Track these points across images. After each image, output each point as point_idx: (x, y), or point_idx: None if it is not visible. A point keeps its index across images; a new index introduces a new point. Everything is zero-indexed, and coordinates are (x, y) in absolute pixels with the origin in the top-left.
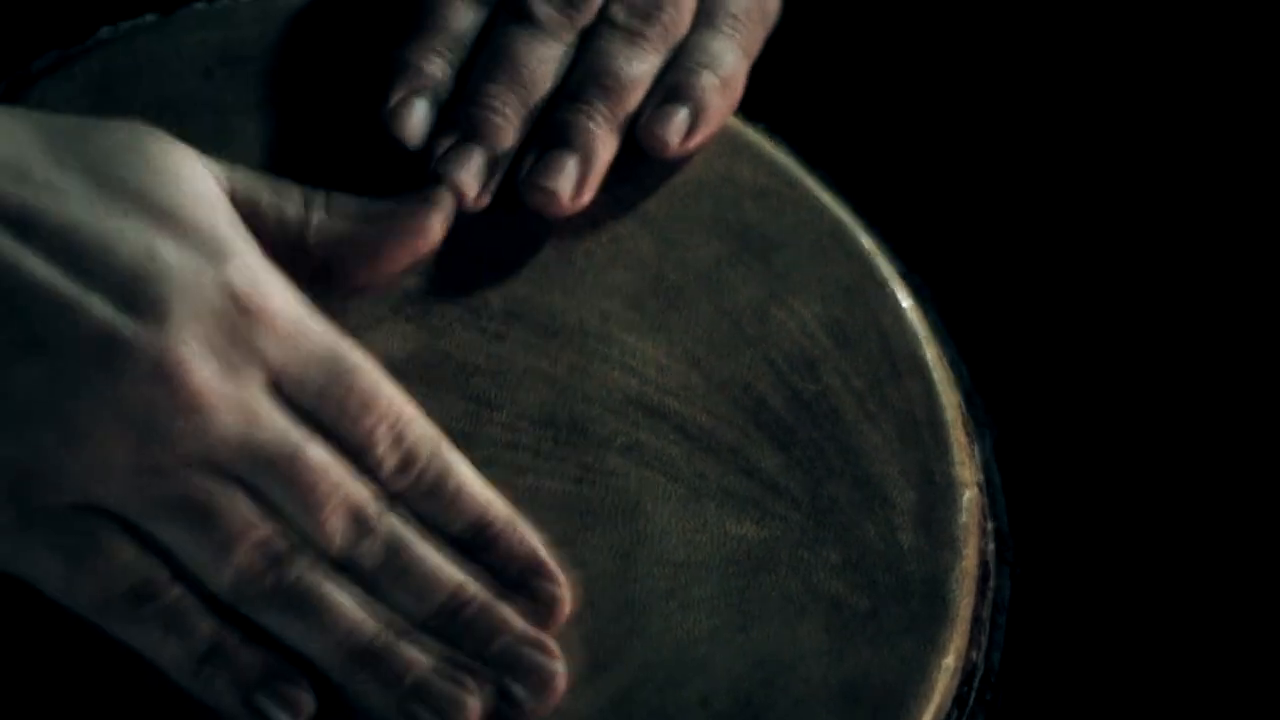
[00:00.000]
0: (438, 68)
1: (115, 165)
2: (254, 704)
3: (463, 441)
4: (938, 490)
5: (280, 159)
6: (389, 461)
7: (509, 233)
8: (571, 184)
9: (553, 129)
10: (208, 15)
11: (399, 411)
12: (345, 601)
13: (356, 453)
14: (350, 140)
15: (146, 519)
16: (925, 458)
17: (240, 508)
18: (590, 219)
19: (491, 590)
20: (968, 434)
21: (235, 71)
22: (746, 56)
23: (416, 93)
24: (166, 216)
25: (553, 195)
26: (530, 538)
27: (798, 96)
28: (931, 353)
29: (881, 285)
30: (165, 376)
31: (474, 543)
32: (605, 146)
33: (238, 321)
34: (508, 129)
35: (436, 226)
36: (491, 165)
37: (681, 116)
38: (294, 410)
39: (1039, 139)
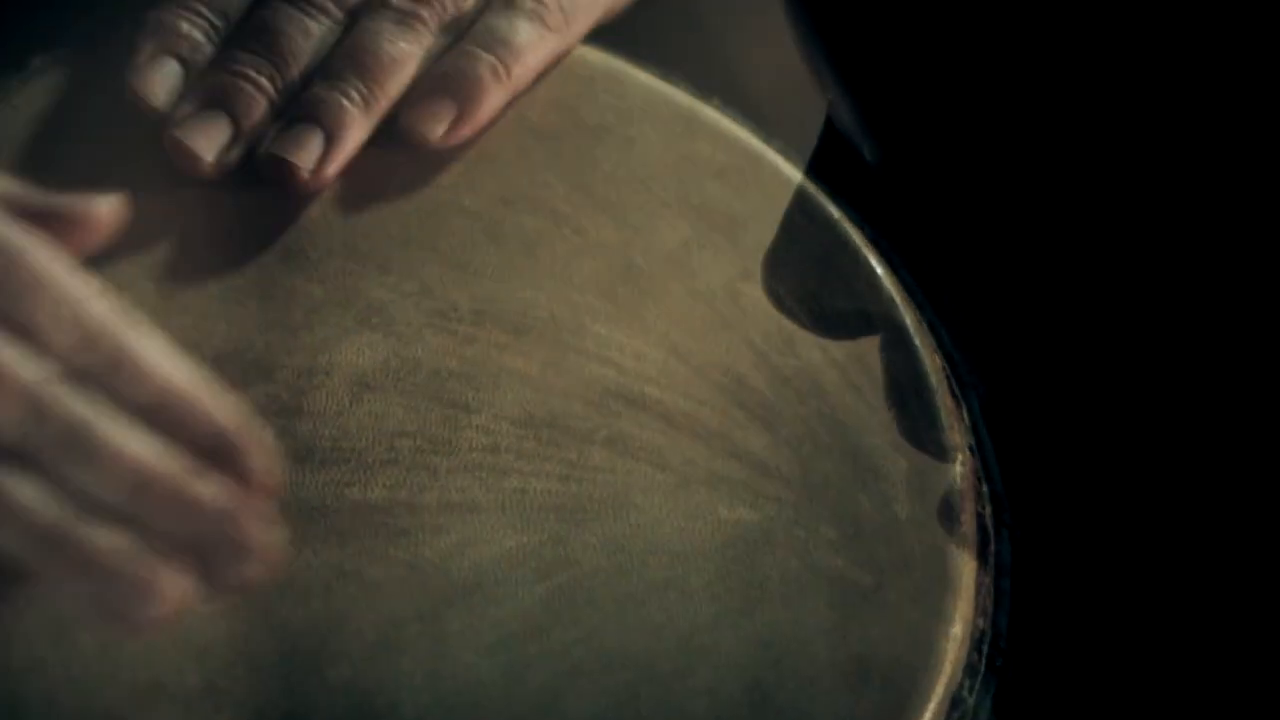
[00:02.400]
0: (196, 30)
1: None
2: None
3: (443, 447)
4: (929, 457)
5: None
6: (64, 340)
7: (471, 232)
8: (313, 159)
9: (301, 103)
10: None
11: (70, 292)
12: (23, 490)
13: (31, 336)
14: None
15: None
16: (913, 425)
17: None
18: (551, 211)
19: (191, 458)
20: (954, 397)
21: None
22: (552, 32)
23: (166, 52)
24: None
25: (291, 168)
26: (218, 405)
27: (750, 73)
28: (910, 318)
29: (853, 253)
30: None
31: (166, 418)
32: (357, 126)
33: None
34: (258, 100)
35: (94, 227)
36: (234, 136)
37: (444, 107)
38: None
39: (998, 98)
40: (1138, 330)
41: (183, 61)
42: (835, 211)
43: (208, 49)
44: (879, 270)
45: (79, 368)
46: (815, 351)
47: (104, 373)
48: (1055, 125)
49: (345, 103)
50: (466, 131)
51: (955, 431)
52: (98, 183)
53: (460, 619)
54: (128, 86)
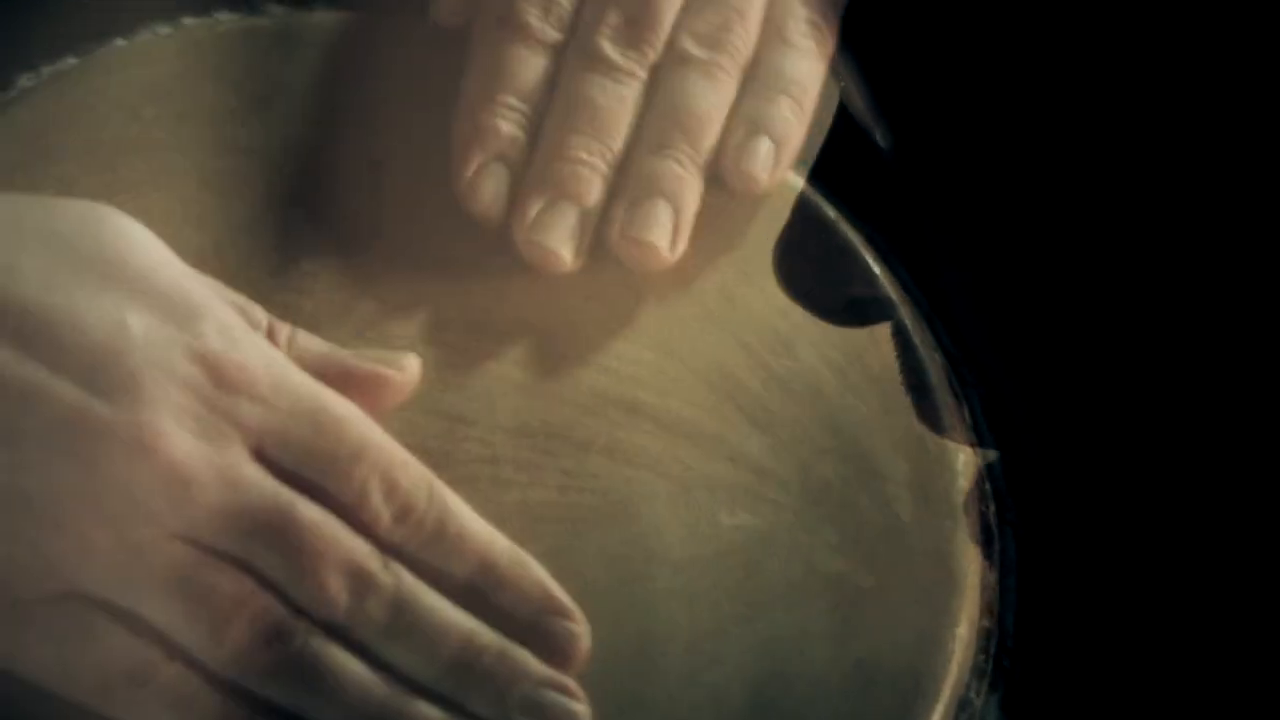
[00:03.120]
0: (511, 124)
1: (75, 243)
2: None
3: (441, 461)
4: (931, 457)
5: (214, 197)
6: (385, 512)
7: (461, 246)
8: (668, 235)
9: (641, 179)
10: (128, 53)
11: (390, 458)
12: (352, 667)
13: (350, 508)
14: (286, 171)
15: (135, 601)
16: (914, 425)
17: (231, 580)
18: None
19: (505, 635)
20: (955, 396)
21: (162, 109)
22: (820, 62)
23: (492, 158)
24: (133, 288)
25: (651, 248)
26: (540, 574)
27: None
28: (908, 316)
29: (850, 254)
30: (142, 452)
31: (481, 587)
32: (693, 190)
33: (213, 387)
34: (596, 181)
35: (395, 390)
36: (584, 223)
37: (766, 150)
38: (281, 472)
39: (1011, 85)
40: (1140, 324)
41: (507, 161)
42: (832, 212)
43: (524, 140)
44: (875, 270)
45: (399, 539)
46: (812, 353)
47: (428, 539)
48: (1064, 120)
49: (679, 170)
50: (784, 170)
51: (957, 431)
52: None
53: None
54: (459, 199)
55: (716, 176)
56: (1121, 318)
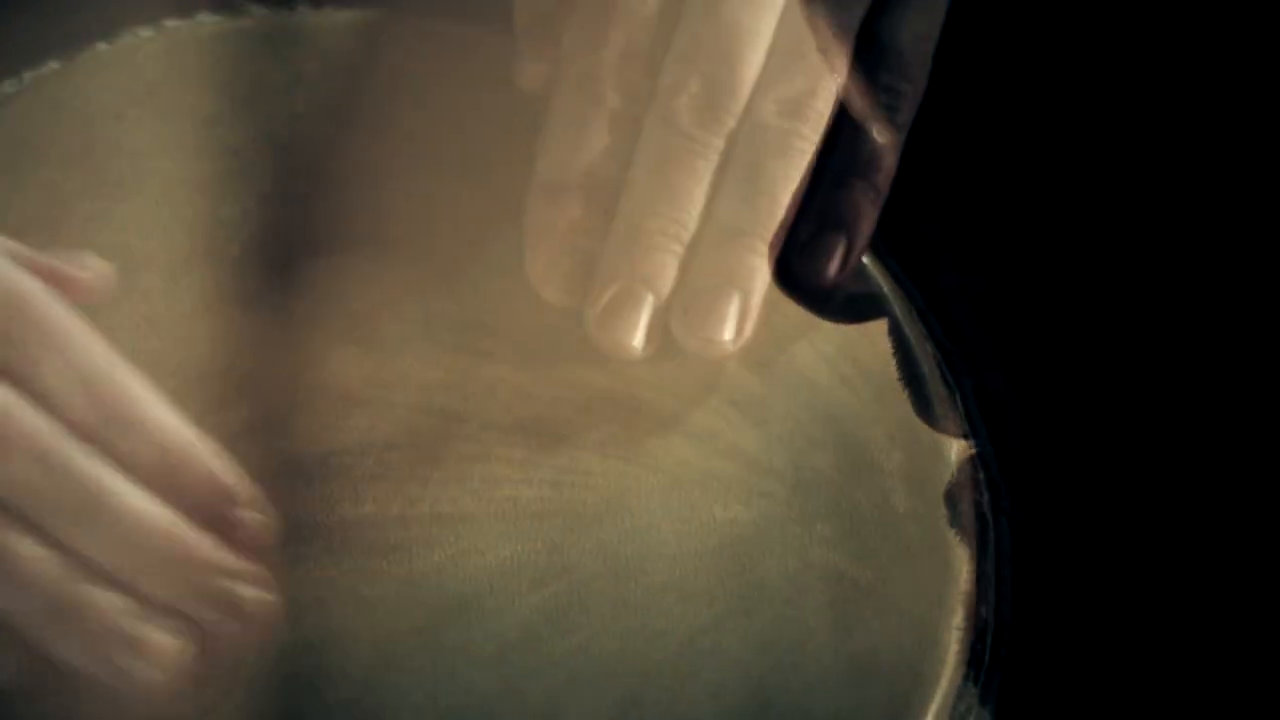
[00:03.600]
0: (586, 210)
1: None
2: None
3: (433, 458)
4: (924, 448)
5: (200, 198)
6: (71, 395)
7: (450, 244)
8: (734, 328)
9: (711, 269)
10: (111, 56)
11: (75, 341)
12: (31, 553)
13: (39, 392)
14: (272, 172)
15: None
16: (907, 415)
17: None
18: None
19: (188, 520)
20: (947, 385)
21: (146, 112)
22: (903, 132)
23: (564, 249)
24: None
25: (717, 345)
26: (217, 462)
27: None
28: (899, 306)
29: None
30: None
31: (163, 474)
32: (763, 276)
33: None
34: (671, 264)
35: (83, 290)
36: (657, 310)
37: (840, 246)
38: None
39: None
40: (1131, 312)
41: (580, 245)
42: None
43: (599, 223)
44: (864, 260)
45: (84, 424)
46: (803, 345)
47: (112, 422)
48: (1061, 113)
49: (753, 258)
50: (854, 262)
51: (950, 420)
52: (76, 205)
53: (457, 632)
54: (534, 284)
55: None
56: (1112, 306)
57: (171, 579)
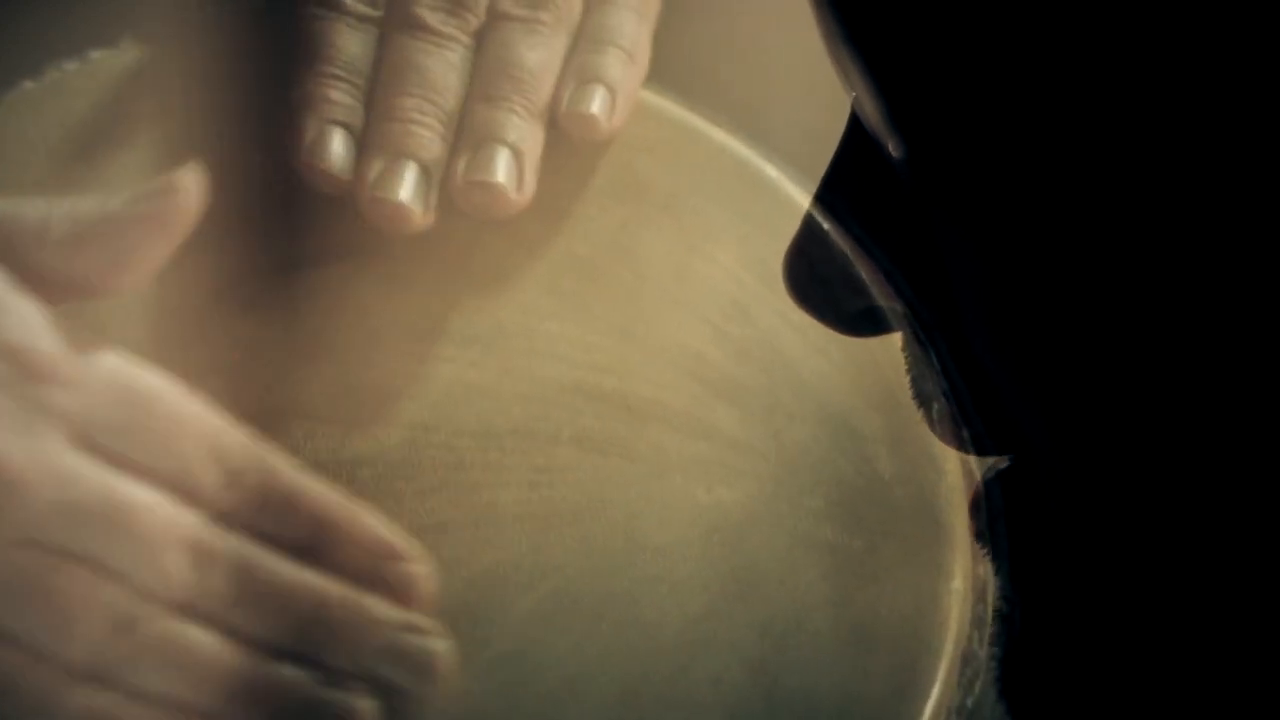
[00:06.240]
0: (342, 93)
1: None
2: None
3: (406, 471)
4: (904, 409)
5: None
6: (211, 480)
7: (402, 253)
8: (512, 176)
9: (475, 129)
10: (39, 93)
11: (207, 426)
12: (207, 641)
13: (178, 483)
14: (224, 190)
15: None
16: (883, 378)
17: (72, 578)
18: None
19: (351, 586)
20: (921, 344)
21: (83, 145)
22: (645, 21)
23: (329, 123)
24: None
25: (496, 188)
26: (371, 522)
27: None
28: (864, 269)
29: (796, 213)
30: None
31: (319, 543)
32: (532, 135)
33: (21, 382)
34: (432, 138)
35: (180, 214)
36: (426, 178)
37: (601, 94)
38: (103, 456)
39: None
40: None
41: (345, 126)
42: (773, 172)
43: (359, 108)
44: (825, 226)
45: (230, 507)
46: (773, 318)
47: (259, 503)
48: (1080, 128)
49: (515, 118)
50: (620, 119)
51: (928, 379)
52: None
53: (448, 644)
54: (303, 166)
55: (643, 149)
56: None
57: (345, 644)
